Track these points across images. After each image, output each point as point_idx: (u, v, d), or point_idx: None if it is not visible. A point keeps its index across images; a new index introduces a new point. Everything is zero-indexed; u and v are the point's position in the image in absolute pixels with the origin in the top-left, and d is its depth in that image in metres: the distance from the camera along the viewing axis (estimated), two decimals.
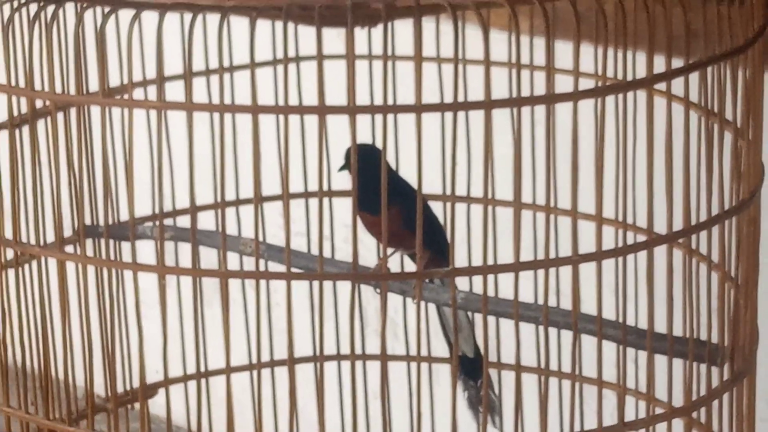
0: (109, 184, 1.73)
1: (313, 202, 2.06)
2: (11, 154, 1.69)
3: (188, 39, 1.51)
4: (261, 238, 1.95)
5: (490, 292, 1.65)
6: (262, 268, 1.68)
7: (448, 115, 1.54)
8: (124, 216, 1.88)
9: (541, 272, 1.61)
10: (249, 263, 1.89)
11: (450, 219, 1.69)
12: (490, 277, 1.61)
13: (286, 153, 1.55)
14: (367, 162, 1.63)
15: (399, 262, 1.97)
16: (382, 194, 1.54)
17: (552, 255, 1.60)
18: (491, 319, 1.67)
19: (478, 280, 1.61)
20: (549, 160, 1.59)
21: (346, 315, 1.72)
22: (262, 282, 1.58)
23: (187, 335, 1.99)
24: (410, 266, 1.96)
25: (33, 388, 1.76)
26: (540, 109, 1.56)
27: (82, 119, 1.97)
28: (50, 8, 1.57)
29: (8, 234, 1.68)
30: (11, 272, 1.79)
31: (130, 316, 1.90)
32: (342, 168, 1.86)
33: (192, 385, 1.99)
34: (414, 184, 1.58)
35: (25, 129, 1.69)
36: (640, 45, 1.63)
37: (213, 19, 1.55)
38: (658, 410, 1.70)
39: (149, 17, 1.55)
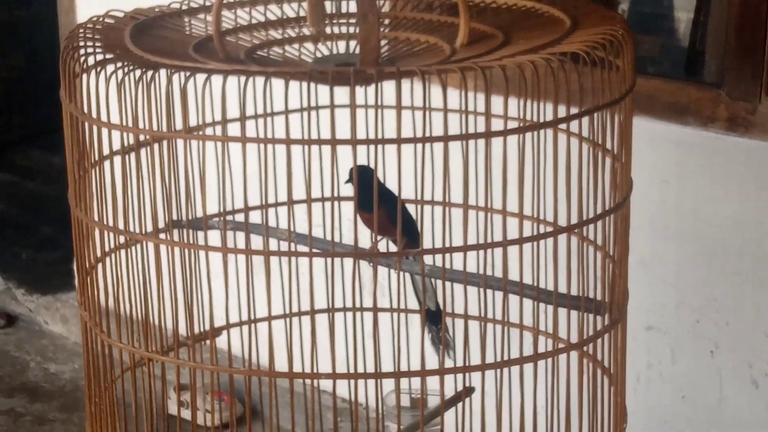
0: (189, 192, 1.74)
1: (327, 204, 2.06)
2: (123, 172, 1.69)
3: (243, 93, 1.52)
4: (292, 229, 1.95)
5: (447, 266, 1.66)
6: (293, 249, 1.69)
7: (419, 145, 1.54)
8: (200, 213, 1.90)
9: (481, 252, 1.62)
10: (284, 246, 1.90)
11: (419, 215, 1.69)
12: (447, 256, 1.61)
13: (309, 171, 1.56)
14: (363, 177, 1.64)
15: (386, 245, 1.98)
16: (374, 199, 1.55)
17: (489, 240, 1.61)
18: (448, 284, 1.67)
19: (439, 258, 1.62)
20: (486, 176, 1.60)
21: (349, 281, 1.72)
22: (293, 258, 1.59)
23: (242, 294, 1.99)
24: (393, 248, 1.96)
25: (137, 330, 1.76)
26: (481, 142, 1.57)
27: (171, 148, 1.98)
28: (149, 72, 1.58)
29: (121, 225, 1.69)
30: (123, 252, 1.79)
31: (203, 281, 1.90)
32: (347, 181, 1.86)
33: (245, 328, 2.00)
34: (396, 191, 1.58)
35: (133, 155, 1.69)
36: (548, 98, 1.63)
37: (260, 80, 1.56)
38: (561, 345, 1.70)
39: (216, 79, 1.56)
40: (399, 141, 1.52)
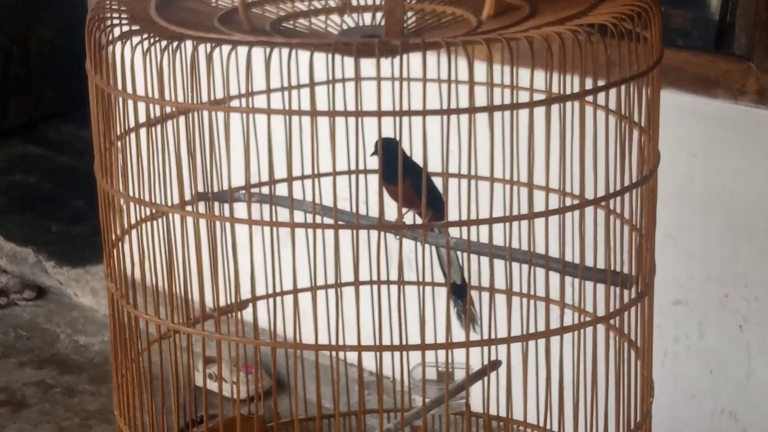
0: (214, 164, 1.73)
1: (353, 177, 2.05)
2: (148, 144, 1.68)
3: (267, 65, 1.51)
4: (318, 201, 1.94)
5: (473, 239, 1.65)
6: (318, 221, 1.68)
7: (445, 118, 1.53)
8: (225, 185, 1.89)
9: (507, 225, 1.60)
10: (309, 218, 1.89)
11: (445, 188, 1.67)
12: (473, 228, 1.60)
13: (334, 143, 1.55)
14: (389, 149, 1.62)
15: (412, 217, 1.96)
16: (399, 172, 1.54)
17: (515, 213, 1.59)
18: (474, 257, 1.66)
19: (465, 231, 1.61)
20: (512, 148, 1.58)
21: (375, 253, 1.71)
22: (318, 231, 1.58)
23: (267, 267, 1.98)
24: (419, 220, 1.95)
25: (164, 302, 1.75)
26: (507, 115, 1.56)
27: (199, 121, 1.97)
28: (174, 43, 1.57)
29: (147, 198, 1.68)
30: (149, 225, 1.78)
31: (229, 254, 1.89)
32: (373, 153, 1.85)
33: (271, 301, 1.99)
34: (421, 164, 1.57)
35: (158, 127, 1.69)
36: (576, 70, 1.61)
37: (285, 52, 1.55)
38: (587, 319, 1.69)
39: (242, 50, 1.55)
40: (424, 113, 1.51)
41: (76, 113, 4.98)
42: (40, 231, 4.25)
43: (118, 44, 1.63)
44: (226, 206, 1.86)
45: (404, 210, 1.81)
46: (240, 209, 1.76)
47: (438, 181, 1.93)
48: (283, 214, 1.72)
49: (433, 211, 1.83)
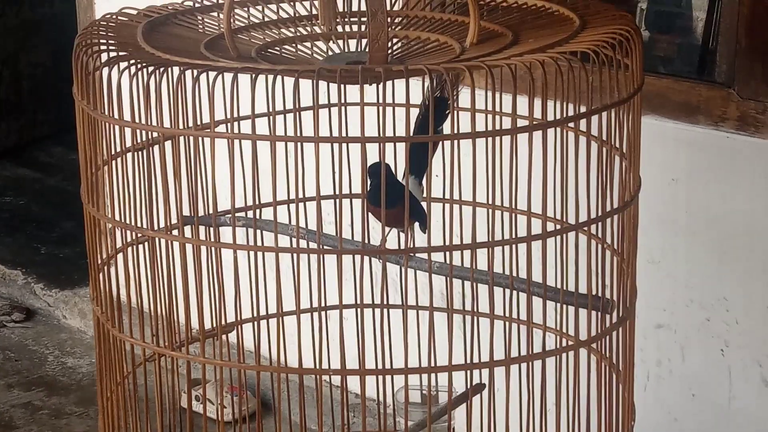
0: (199, 189, 1.73)
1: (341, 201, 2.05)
2: (133, 169, 1.68)
3: (252, 91, 1.51)
4: (302, 225, 1.94)
5: (456, 263, 1.65)
6: (303, 245, 1.68)
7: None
8: (211, 210, 1.88)
9: (489, 249, 1.61)
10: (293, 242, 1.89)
11: (428, 212, 1.67)
12: (456, 253, 1.60)
13: (318, 169, 1.54)
14: (376, 174, 1.62)
15: (396, 236, 1.95)
16: (382, 196, 1.54)
17: (497, 238, 1.60)
18: (457, 281, 1.66)
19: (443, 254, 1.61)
20: (492, 173, 1.58)
21: (364, 277, 1.71)
22: (303, 255, 1.58)
23: (252, 290, 1.98)
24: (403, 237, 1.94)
25: (149, 326, 1.75)
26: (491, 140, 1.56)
27: (185, 145, 1.96)
28: (161, 69, 1.57)
29: (133, 222, 1.68)
30: (134, 249, 1.78)
31: (213, 278, 1.89)
32: (370, 183, 1.83)
33: (256, 324, 1.99)
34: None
35: (144, 153, 1.69)
36: (558, 98, 1.62)
37: (273, 77, 1.55)
38: (570, 342, 1.69)
39: (228, 77, 1.55)
40: (408, 139, 1.51)
41: (67, 136, 4.98)
42: (29, 253, 4.24)
43: (105, 69, 1.63)
44: (213, 230, 1.87)
45: (387, 230, 1.81)
46: (227, 233, 1.76)
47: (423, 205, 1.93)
48: (269, 238, 1.72)
49: (415, 221, 1.83)
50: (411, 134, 1.62)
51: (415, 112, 1.76)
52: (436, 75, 1.66)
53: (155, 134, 1.67)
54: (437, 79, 1.75)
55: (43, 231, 4.45)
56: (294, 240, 1.87)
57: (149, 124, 1.60)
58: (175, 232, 1.74)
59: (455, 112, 1.60)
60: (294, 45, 1.83)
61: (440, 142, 1.70)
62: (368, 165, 1.65)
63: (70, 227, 4.40)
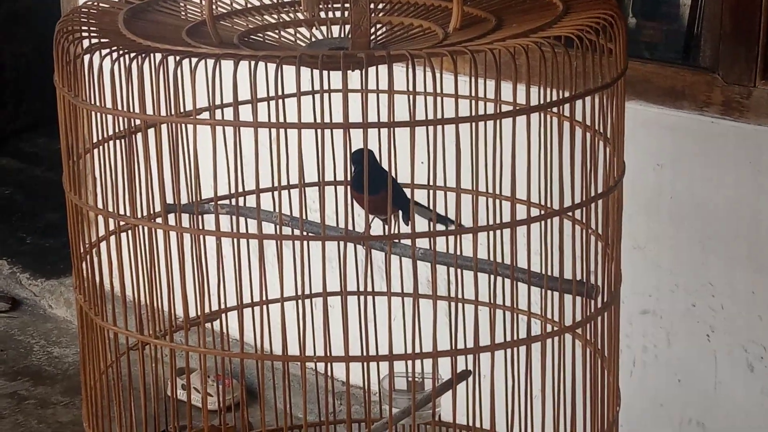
0: (178, 176, 1.72)
1: (326, 188, 2.05)
2: (115, 157, 1.67)
3: (234, 77, 1.50)
4: (288, 213, 1.94)
5: (440, 249, 1.64)
6: (288, 232, 1.67)
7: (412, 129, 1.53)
8: (193, 198, 1.88)
9: (473, 235, 1.60)
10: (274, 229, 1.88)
11: (411, 198, 1.67)
12: (440, 239, 1.60)
13: (300, 155, 1.54)
14: (360, 160, 1.62)
15: (381, 224, 1.95)
16: (365, 182, 1.54)
17: (481, 224, 1.59)
18: (441, 267, 1.65)
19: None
20: (476, 159, 1.58)
21: (350, 263, 1.71)
22: (287, 243, 1.57)
23: (236, 278, 1.98)
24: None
25: (134, 314, 1.74)
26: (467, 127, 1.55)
27: (170, 133, 1.95)
28: (142, 56, 1.56)
29: (116, 209, 1.67)
30: (116, 237, 1.77)
31: (195, 266, 1.88)
32: (354, 169, 1.83)
33: (246, 312, 1.98)
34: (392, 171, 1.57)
35: (126, 140, 1.68)
36: (541, 82, 1.61)
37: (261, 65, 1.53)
38: (555, 328, 1.69)
39: (209, 63, 1.54)
40: (391, 125, 1.51)
41: (51, 126, 4.94)
42: (14, 243, 4.23)
43: (86, 57, 1.62)
44: (196, 218, 1.86)
45: (372, 217, 1.80)
46: (210, 221, 1.75)
47: (406, 192, 1.93)
48: (253, 225, 1.71)
49: (399, 209, 1.82)
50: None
51: (398, 99, 1.75)
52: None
53: (137, 121, 1.66)
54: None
55: (28, 221, 4.44)
56: (278, 227, 1.87)
57: (131, 111, 1.59)
58: (158, 220, 1.73)
59: (435, 98, 1.59)
60: (277, 31, 1.83)
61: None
62: (352, 151, 1.64)
63: (55, 217, 4.38)
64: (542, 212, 1.63)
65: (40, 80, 5.13)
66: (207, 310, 1.89)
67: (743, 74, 2.31)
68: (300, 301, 1.77)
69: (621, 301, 1.83)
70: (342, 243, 1.62)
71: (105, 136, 1.69)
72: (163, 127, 1.68)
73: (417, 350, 1.70)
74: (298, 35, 1.83)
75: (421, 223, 1.75)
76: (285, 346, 1.64)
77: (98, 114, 1.66)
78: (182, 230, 1.63)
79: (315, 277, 1.96)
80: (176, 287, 1.81)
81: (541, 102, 1.59)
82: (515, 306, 1.80)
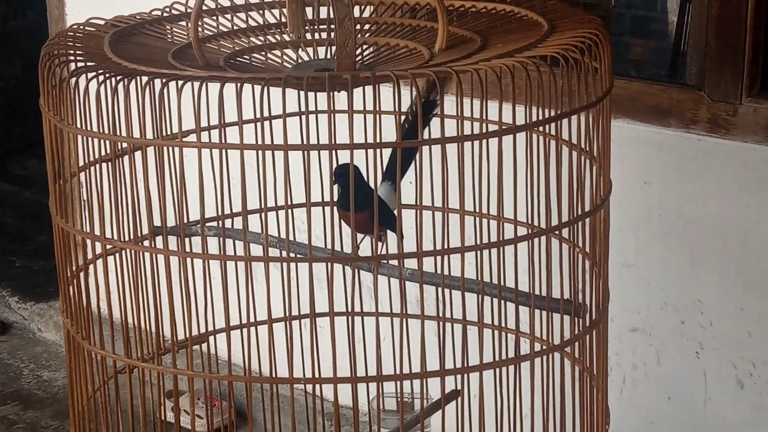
0: (164, 199, 1.71)
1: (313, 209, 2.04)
2: (101, 180, 1.67)
3: (219, 99, 1.50)
4: (275, 234, 1.93)
5: (427, 269, 1.64)
6: (275, 254, 1.67)
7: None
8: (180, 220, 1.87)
9: (460, 255, 1.60)
10: (261, 251, 1.88)
11: (399, 219, 1.67)
12: (428, 259, 1.59)
13: (287, 177, 1.53)
14: (345, 177, 1.61)
15: (369, 243, 1.95)
16: (351, 197, 1.53)
17: (468, 243, 1.59)
18: (429, 288, 1.65)
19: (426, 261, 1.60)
20: (461, 179, 1.58)
21: (339, 284, 1.70)
22: (274, 264, 1.57)
23: (223, 300, 1.97)
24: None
25: (121, 337, 1.73)
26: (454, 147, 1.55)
27: (156, 156, 1.94)
28: (128, 79, 1.56)
29: (103, 233, 1.67)
30: (104, 260, 1.76)
31: (182, 288, 1.88)
32: (333, 182, 1.83)
33: (235, 334, 1.97)
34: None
35: (112, 164, 1.67)
36: (527, 102, 1.61)
37: (246, 87, 1.53)
38: (543, 347, 1.68)
39: (195, 86, 1.54)
40: (377, 146, 1.50)
41: (41, 148, 4.95)
42: (4, 266, 4.22)
43: (72, 80, 1.62)
44: (185, 240, 1.85)
45: (360, 237, 1.80)
46: (198, 243, 1.75)
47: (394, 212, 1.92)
48: (240, 247, 1.70)
49: (386, 229, 1.82)
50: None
51: (385, 119, 1.74)
52: (428, 81, 1.65)
53: (124, 144, 1.66)
54: (427, 85, 1.74)
55: (18, 244, 4.43)
56: (270, 249, 1.87)
57: (117, 134, 1.59)
58: (146, 243, 1.72)
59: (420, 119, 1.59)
60: (263, 53, 1.83)
61: (418, 149, 1.68)
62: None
63: (45, 240, 4.38)
64: (529, 231, 1.63)
65: (31, 102, 5.12)
66: (195, 333, 1.88)
67: (729, 91, 2.32)
68: (288, 323, 1.77)
69: (610, 318, 1.83)
70: (329, 264, 1.62)
71: (91, 159, 1.68)
72: (150, 149, 1.67)
73: (406, 370, 1.69)
74: (284, 57, 1.83)
75: (409, 244, 1.74)
76: (273, 368, 1.64)
77: (84, 137, 1.65)
78: (169, 253, 1.62)
79: (303, 298, 1.96)
80: (164, 310, 1.80)
81: (527, 121, 1.59)
82: (504, 325, 1.80)
